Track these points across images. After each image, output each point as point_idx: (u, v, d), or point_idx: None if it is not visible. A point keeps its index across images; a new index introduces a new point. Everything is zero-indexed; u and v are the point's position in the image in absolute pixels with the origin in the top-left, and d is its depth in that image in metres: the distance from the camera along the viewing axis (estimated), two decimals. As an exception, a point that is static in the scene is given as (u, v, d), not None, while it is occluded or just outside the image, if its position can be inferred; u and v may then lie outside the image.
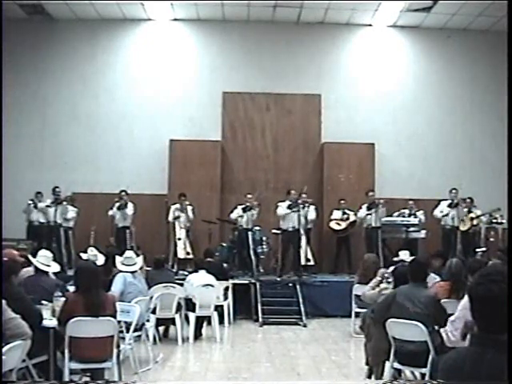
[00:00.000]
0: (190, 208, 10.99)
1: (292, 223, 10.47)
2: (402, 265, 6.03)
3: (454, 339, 3.82)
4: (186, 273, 9.54)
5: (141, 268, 7.07)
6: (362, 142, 12.46)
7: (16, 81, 12.38)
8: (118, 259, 6.85)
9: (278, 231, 10.73)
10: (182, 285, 7.97)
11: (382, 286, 5.78)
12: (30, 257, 5.87)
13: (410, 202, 11.42)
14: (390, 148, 12.71)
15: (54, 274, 6.00)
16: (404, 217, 11.20)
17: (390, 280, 5.83)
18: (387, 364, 4.86)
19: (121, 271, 6.65)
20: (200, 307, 7.78)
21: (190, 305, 7.79)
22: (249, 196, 10.93)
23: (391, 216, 11.20)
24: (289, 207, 10.46)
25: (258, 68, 12.82)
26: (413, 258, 7.80)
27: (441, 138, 12.95)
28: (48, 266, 5.80)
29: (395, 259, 8.16)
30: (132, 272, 6.66)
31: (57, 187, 10.99)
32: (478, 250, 10.46)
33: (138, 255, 7.39)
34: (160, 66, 12.83)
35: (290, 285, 9.96)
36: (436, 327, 4.39)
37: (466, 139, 12.97)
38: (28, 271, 5.91)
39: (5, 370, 3.55)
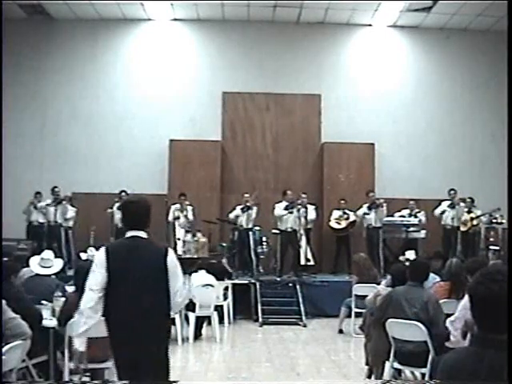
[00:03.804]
0: (189, 208, 10.98)
1: (290, 224, 10.45)
2: (399, 263, 6.04)
3: (453, 339, 3.82)
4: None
5: None
6: (362, 141, 12.46)
7: (16, 81, 12.37)
8: None
9: (278, 231, 10.73)
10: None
11: (380, 287, 5.77)
12: (30, 261, 5.89)
13: (411, 202, 11.41)
14: (389, 148, 12.71)
15: (54, 273, 6.02)
16: (404, 217, 11.20)
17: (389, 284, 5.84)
18: (387, 364, 4.86)
19: None
20: (200, 307, 7.78)
21: (189, 305, 7.77)
22: (246, 195, 10.94)
23: (392, 216, 11.20)
24: (286, 208, 10.44)
25: (258, 68, 12.82)
26: (415, 258, 7.85)
27: (441, 138, 12.95)
28: (49, 267, 5.82)
29: (401, 258, 8.16)
30: None
31: (56, 187, 11.00)
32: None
33: None
34: (160, 65, 12.83)
35: (290, 285, 9.95)
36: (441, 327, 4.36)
37: (466, 139, 12.97)
38: (28, 271, 5.92)
39: (5, 369, 3.55)
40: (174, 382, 4.14)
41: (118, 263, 3.35)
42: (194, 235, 9.18)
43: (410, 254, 8.02)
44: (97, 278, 3.34)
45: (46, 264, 5.80)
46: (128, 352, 3.30)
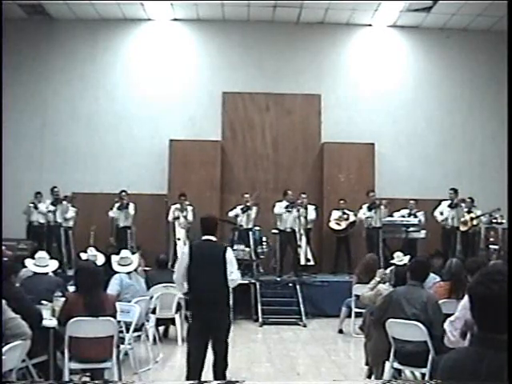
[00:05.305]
0: (189, 208, 10.99)
1: (289, 224, 10.46)
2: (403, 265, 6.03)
3: (453, 339, 3.81)
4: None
5: (136, 269, 6.97)
6: (362, 141, 12.45)
7: (16, 81, 12.37)
8: (114, 259, 6.78)
9: (277, 231, 10.72)
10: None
11: (380, 286, 5.77)
12: (26, 261, 5.97)
13: (411, 202, 11.38)
14: (389, 148, 12.71)
15: (54, 272, 6.05)
16: (404, 217, 11.18)
17: (386, 280, 5.84)
18: (387, 364, 4.86)
19: (116, 272, 6.57)
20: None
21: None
22: (246, 196, 10.95)
23: (392, 216, 11.19)
24: (286, 208, 10.44)
25: (258, 68, 12.81)
26: (409, 257, 7.81)
27: (441, 138, 12.95)
28: (45, 266, 5.88)
29: (392, 262, 8.08)
30: (128, 273, 6.59)
31: (55, 187, 11.00)
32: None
33: (133, 253, 7.35)
34: (160, 65, 12.83)
35: (290, 285, 9.96)
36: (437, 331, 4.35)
37: (466, 139, 12.96)
38: (28, 271, 5.94)
39: (5, 369, 3.55)
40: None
41: (196, 255, 4.99)
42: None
43: (398, 257, 7.94)
44: (183, 264, 5.00)
45: (41, 263, 5.86)
46: (202, 309, 4.90)
